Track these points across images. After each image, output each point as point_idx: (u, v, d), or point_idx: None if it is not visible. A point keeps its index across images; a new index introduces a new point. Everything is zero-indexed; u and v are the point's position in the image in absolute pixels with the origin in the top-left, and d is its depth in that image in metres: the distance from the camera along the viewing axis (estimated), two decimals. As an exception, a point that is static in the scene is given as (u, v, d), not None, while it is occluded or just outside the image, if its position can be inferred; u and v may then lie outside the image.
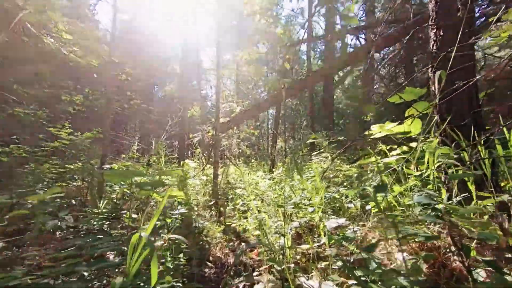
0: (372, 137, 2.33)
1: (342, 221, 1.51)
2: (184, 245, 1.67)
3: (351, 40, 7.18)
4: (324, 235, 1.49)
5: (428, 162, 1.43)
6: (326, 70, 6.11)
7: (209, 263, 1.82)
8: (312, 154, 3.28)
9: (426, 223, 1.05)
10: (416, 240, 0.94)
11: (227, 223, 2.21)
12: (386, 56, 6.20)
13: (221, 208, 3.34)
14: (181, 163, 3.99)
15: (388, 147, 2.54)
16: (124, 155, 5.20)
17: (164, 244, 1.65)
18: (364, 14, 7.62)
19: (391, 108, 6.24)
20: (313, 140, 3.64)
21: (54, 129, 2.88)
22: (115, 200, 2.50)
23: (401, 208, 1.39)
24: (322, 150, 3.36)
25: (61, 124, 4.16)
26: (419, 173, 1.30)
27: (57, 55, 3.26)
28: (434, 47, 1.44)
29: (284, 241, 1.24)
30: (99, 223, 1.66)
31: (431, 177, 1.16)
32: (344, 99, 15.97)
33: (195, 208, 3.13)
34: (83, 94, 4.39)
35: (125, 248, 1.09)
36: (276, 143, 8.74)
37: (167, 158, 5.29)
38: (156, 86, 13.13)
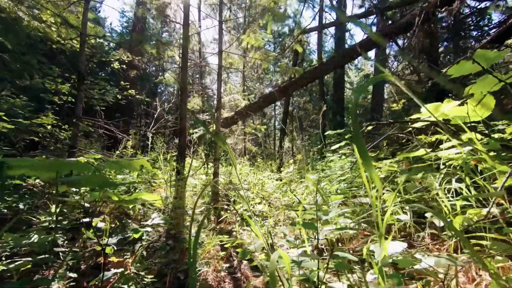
0: (421, 122, 1.75)
1: (403, 245, 0.94)
2: (150, 277, 1.13)
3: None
4: (376, 266, 0.93)
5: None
6: (338, 59, 5.52)
7: (196, 296, 1.29)
8: (331, 148, 2.71)
9: None
10: None
11: (224, 240, 1.66)
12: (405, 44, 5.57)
13: (221, 213, 2.82)
14: (168, 158, 3.47)
15: (435, 138, 1.96)
16: (118, 151, 4.72)
17: (127, 272, 1.11)
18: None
19: (413, 101, 5.59)
20: (332, 132, 3.08)
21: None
22: (83, 203, 2.00)
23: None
24: (342, 144, 2.77)
25: (43, 114, 3.72)
26: None
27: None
28: None
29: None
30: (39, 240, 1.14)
31: None
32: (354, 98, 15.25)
33: (189, 213, 2.60)
34: (70, 82, 3.94)
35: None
36: (284, 140, 8.17)
37: (166, 156, 4.80)
38: (160, 84, 12.73)
